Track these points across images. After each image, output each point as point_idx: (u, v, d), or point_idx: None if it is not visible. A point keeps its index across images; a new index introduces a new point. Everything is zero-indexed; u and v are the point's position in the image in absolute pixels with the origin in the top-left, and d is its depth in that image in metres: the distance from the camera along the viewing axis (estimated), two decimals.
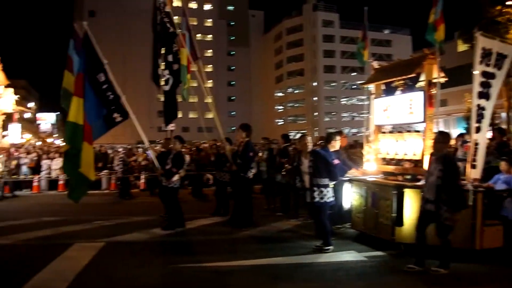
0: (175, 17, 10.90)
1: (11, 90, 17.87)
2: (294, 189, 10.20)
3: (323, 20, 77.66)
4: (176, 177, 9.49)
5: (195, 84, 11.57)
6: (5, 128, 18.55)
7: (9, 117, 18.67)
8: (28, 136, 44.31)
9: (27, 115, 45.01)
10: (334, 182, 7.50)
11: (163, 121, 11.08)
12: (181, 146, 10.07)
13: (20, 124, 19.10)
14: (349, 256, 7.13)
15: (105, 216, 11.33)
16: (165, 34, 10.49)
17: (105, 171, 19.00)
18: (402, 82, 8.05)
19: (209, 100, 10.75)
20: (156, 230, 9.27)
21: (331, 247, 7.29)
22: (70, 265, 6.60)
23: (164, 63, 10.56)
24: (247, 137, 9.81)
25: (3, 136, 18.31)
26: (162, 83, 10.71)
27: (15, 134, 18.54)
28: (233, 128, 78.01)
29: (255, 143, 14.83)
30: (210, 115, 10.71)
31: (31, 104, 52.96)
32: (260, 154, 13.07)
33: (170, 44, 10.52)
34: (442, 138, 6.29)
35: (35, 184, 18.03)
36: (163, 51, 10.59)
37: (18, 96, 19.92)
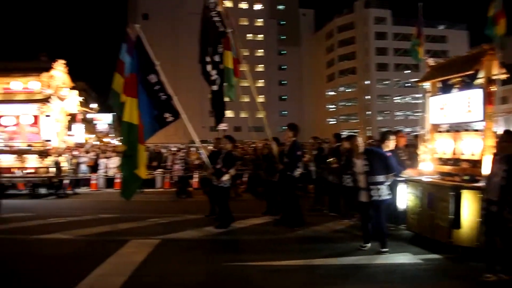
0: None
1: (76, 92, 18.66)
2: (343, 188, 10.11)
3: (375, 17, 76.22)
4: (226, 177, 9.58)
5: (246, 84, 11.60)
6: (69, 128, 19.40)
7: (72, 118, 19.51)
8: (90, 136, 45.96)
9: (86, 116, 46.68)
10: (391, 179, 7.36)
11: (214, 121, 11.12)
12: (232, 145, 10.10)
13: (84, 125, 19.95)
14: (404, 258, 6.96)
15: (160, 214, 11.63)
16: (215, 33, 10.53)
17: (160, 170, 19.45)
18: (459, 79, 7.77)
19: (258, 99, 10.75)
20: (209, 228, 9.41)
21: (387, 249, 7.14)
22: (126, 261, 6.80)
23: (211, 62, 10.61)
24: (294, 136, 9.78)
25: (68, 136, 19.15)
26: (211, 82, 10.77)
27: (78, 134, 19.37)
28: (284, 128, 77.69)
29: (305, 142, 14.76)
30: (261, 115, 10.74)
31: (94, 105, 55.06)
32: (307, 153, 13.00)
33: (217, 44, 10.56)
34: (507, 137, 6.00)
35: (93, 182, 18.75)
36: (210, 50, 10.64)
37: (82, 97, 20.74)
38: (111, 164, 19.17)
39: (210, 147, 16.16)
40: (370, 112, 75.94)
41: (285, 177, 9.75)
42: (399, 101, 78.19)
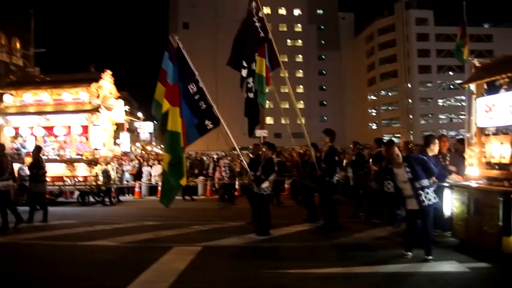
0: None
1: (122, 101, 19.16)
2: (384, 194, 9.94)
3: (417, 18, 74.62)
4: (265, 184, 9.56)
5: (286, 90, 11.57)
6: (116, 137, 19.96)
7: (119, 127, 20.05)
8: (138, 144, 46.99)
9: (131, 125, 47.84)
10: (435, 183, 7.17)
11: (248, 128, 11.01)
12: (271, 152, 10.07)
13: (129, 134, 20.48)
14: (450, 266, 6.72)
15: (202, 221, 11.74)
16: (254, 39, 10.49)
17: (201, 177, 19.66)
18: (507, 79, 7.49)
19: (298, 105, 10.72)
20: (250, 235, 9.41)
21: (432, 257, 6.92)
22: (169, 268, 6.87)
23: (248, 68, 10.62)
24: (331, 142, 9.71)
25: (116, 145, 19.69)
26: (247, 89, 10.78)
27: (125, 143, 19.90)
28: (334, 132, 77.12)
29: (347, 148, 14.60)
30: (300, 121, 10.70)
31: (140, 114, 56.37)
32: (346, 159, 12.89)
33: (255, 51, 10.55)
34: None
35: (136, 190, 19.14)
36: (248, 56, 10.64)
37: (128, 107, 21.29)
38: (154, 172, 19.54)
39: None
40: (412, 116, 74.30)
41: (323, 183, 9.66)
42: (442, 104, 76.23)
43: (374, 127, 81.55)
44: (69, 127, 17.22)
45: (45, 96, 17.56)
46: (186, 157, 24.04)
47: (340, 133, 72.40)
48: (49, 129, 17.48)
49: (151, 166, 20.12)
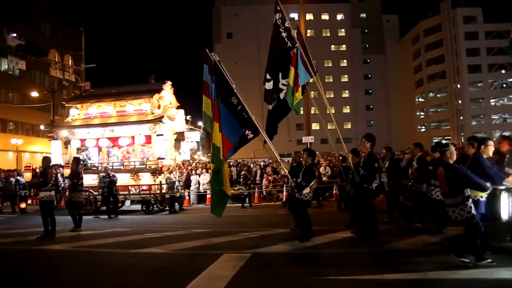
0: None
1: (182, 111, 19.59)
2: (430, 200, 9.77)
3: (464, 17, 72.27)
4: (306, 190, 9.54)
5: (332, 95, 11.52)
6: (177, 146, 20.50)
7: (179, 136, 20.55)
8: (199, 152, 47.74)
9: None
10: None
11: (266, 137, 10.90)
12: (311, 158, 10.00)
13: (189, 143, 20.94)
14: (509, 273, 6.45)
15: (251, 228, 11.80)
16: (283, 50, 10.48)
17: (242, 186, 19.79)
18: None
19: (332, 111, 10.65)
20: (298, 241, 9.36)
21: (484, 262, 6.65)
22: (219, 275, 6.93)
23: (272, 80, 10.66)
24: (371, 147, 9.51)
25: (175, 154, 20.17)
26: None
27: (186, 152, 20.40)
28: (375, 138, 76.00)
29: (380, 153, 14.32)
30: (348, 125, 10.61)
31: (200, 123, 57.38)
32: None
33: (286, 61, 10.54)
34: None
35: (186, 198, 19.46)
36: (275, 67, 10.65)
37: (189, 116, 21.73)
38: (202, 180, 19.82)
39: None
40: (462, 117, 71.96)
41: (362, 189, 9.51)
42: (495, 103, 73.46)
43: (423, 129, 79.50)
44: (133, 137, 17.79)
45: (109, 108, 18.24)
46: (234, 165, 24.34)
47: (387, 137, 71.16)
48: (113, 140, 18.11)
49: (199, 175, 20.42)
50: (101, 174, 16.52)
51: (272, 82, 10.64)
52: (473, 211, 6.64)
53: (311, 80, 11.06)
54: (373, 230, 9.35)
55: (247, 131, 9.41)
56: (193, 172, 20.96)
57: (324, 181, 17.72)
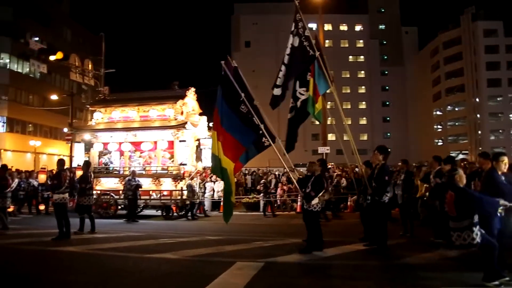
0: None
1: (205, 117, 19.70)
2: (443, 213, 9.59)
3: (485, 30, 71.47)
4: (315, 201, 9.50)
5: (349, 106, 11.51)
6: (198, 153, 20.60)
7: (200, 142, 20.63)
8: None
9: None
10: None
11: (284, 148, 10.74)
12: (321, 169, 9.94)
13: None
14: None
15: (264, 236, 11.81)
16: (304, 58, 10.48)
17: (262, 194, 19.73)
18: None
19: (348, 122, 10.61)
20: (315, 253, 9.28)
21: (495, 282, 6.35)
22: (231, 283, 6.94)
23: (283, 87, 10.67)
24: (383, 160, 9.45)
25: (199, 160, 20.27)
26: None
27: (208, 158, 20.52)
28: (389, 150, 75.43)
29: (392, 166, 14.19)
30: (364, 137, 10.57)
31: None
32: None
33: (304, 70, 10.57)
34: None
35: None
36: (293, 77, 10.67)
37: (212, 123, 21.83)
38: (217, 188, 19.83)
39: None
40: (481, 132, 71.05)
41: (373, 202, 9.42)
42: None
43: (440, 143, 78.69)
44: (155, 142, 17.89)
45: (132, 112, 18.39)
46: (249, 174, 24.32)
47: (405, 149, 70.42)
48: (135, 145, 18.26)
49: (214, 182, 20.43)
50: (128, 177, 16.56)
51: (280, 89, 10.68)
52: (479, 238, 6.35)
53: (328, 91, 11.07)
54: (381, 244, 9.23)
55: (263, 138, 9.50)
56: (208, 179, 21.00)
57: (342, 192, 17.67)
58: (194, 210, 17.83)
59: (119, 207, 17.73)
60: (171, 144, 17.85)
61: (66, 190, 11.92)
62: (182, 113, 17.99)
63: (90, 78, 31.91)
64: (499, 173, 7.05)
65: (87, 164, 13.95)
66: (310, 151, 61.00)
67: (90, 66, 31.83)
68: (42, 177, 20.45)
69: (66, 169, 13.09)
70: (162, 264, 8.52)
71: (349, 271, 7.97)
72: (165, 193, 17.28)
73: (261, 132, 9.49)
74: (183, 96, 18.36)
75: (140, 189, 16.53)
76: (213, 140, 9.58)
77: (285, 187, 20.44)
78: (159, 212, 17.95)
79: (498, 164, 7.13)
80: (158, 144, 17.85)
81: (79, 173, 16.03)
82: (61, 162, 12.47)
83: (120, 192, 17.28)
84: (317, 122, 11.84)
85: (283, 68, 10.70)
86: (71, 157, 36.12)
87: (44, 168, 23.34)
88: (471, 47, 71.66)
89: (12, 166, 34.17)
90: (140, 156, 18.83)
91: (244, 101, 9.52)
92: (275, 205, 19.73)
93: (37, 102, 49.08)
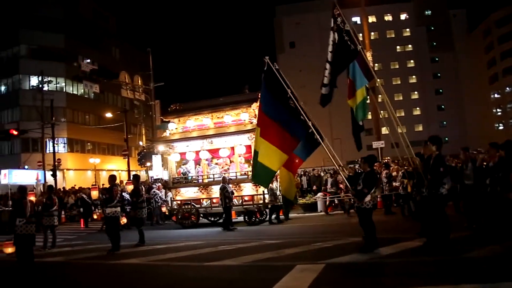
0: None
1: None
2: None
3: None
4: (368, 198, 9.24)
5: (400, 98, 11.17)
6: None
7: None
8: None
9: None
10: None
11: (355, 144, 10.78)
12: (368, 165, 9.58)
13: None
14: None
15: (324, 237, 11.63)
16: (347, 54, 10.25)
17: (320, 193, 19.51)
18: None
19: (401, 113, 10.31)
20: (375, 251, 9.02)
21: None
22: (293, 286, 6.83)
23: (331, 85, 10.46)
24: (437, 150, 8.94)
25: None
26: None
27: None
28: (446, 139, 72.98)
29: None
30: (419, 128, 10.20)
31: None
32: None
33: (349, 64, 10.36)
34: None
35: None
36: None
37: None
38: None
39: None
40: None
41: (430, 195, 9.01)
42: None
43: (501, 127, 75.18)
44: (232, 148, 17.81)
45: (206, 120, 18.42)
46: (303, 174, 24.14)
47: (463, 137, 67.86)
48: (212, 152, 18.27)
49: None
50: (222, 185, 16.28)
51: (328, 87, 10.52)
52: None
53: (376, 84, 10.82)
54: (443, 238, 8.79)
55: (315, 135, 9.50)
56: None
57: (396, 186, 17.07)
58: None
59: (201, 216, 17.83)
60: (248, 148, 17.55)
61: (117, 204, 12.30)
62: (255, 116, 17.57)
63: (140, 93, 32.79)
64: None
65: (136, 178, 14.33)
66: (365, 146, 59.94)
67: (139, 81, 32.71)
68: (95, 194, 21.12)
69: (117, 184, 13.51)
70: (224, 272, 8.54)
71: (414, 268, 7.64)
72: (246, 198, 17.17)
73: (310, 130, 9.45)
74: (256, 99, 18.01)
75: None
76: (256, 137, 9.59)
77: (341, 186, 20.08)
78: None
79: None
80: (236, 149, 17.70)
81: (130, 187, 16.31)
82: (112, 178, 12.92)
83: (201, 200, 17.60)
84: (370, 117, 11.61)
85: (328, 66, 10.55)
86: (129, 171, 37.30)
87: (95, 185, 24.11)
88: None
89: (75, 185, 35.77)
90: (216, 164, 18.89)
91: (291, 97, 9.47)
92: (333, 204, 19.46)
93: (93, 121, 51.12)
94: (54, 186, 32.68)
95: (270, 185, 16.77)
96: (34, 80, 45.96)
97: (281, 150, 9.45)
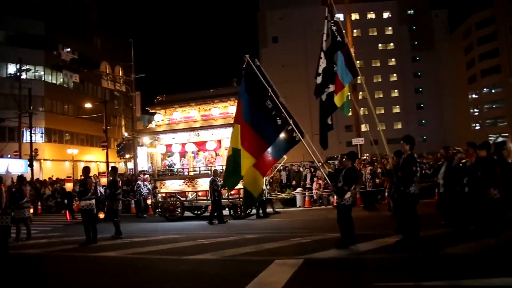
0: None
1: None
2: (486, 201, 9.38)
3: None
4: (348, 195, 9.31)
5: (381, 95, 11.27)
6: None
7: None
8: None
9: None
10: None
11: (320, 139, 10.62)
12: (351, 162, 9.67)
13: None
14: None
15: (302, 233, 11.67)
16: (334, 44, 10.29)
17: (299, 189, 19.59)
18: None
19: (381, 111, 10.39)
20: (351, 247, 9.09)
21: None
22: (272, 281, 6.83)
23: (323, 75, 10.45)
24: (410, 149, 9.08)
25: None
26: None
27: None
28: (424, 137, 73.95)
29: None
30: (398, 125, 10.32)
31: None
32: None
33: (332, 58, 10.37)
34: None
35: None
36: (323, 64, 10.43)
37: None
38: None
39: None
40: None
41: (400, 193, 9.14)
42: None
43: (478, 127, 76.42)
44: (219, 141, 17.55)
45: (193, 112, 18.20)
46: (283, 169, 24.23)
47: (441, 136, 68.92)
48: (199, 144, 18.05)
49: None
50: (212, 178, 16.18)
51: (321, 76, 10.44)
52: None
53: (358, 81, 10.87)
54: (413, 235, 8.93)
55: (294, 133, 9.49)
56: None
57: (378, 182, 17.30)
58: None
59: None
60: None
61: (92, 196, 12.17)
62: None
63: (121, 84, 32.38)
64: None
65: (114, 169, 14.25)
66: (344, 142, 60.43)
67: (120, 72, 32.30)
68: (69, 186, 20.84)
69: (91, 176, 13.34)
70: (202, 265, 8.54)
71: (389, 264, 7.75)
72: (232, 192, 16.79)
73: (290, 127, 9.44)
74: None
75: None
76: (234, 134, 9.58)
77: (320, 181, 20.22)
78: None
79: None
80: (223, 143, 17.39)
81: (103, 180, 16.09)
82: (86, 170, 12.77)
83: (187, 193, 17.47)
84: (350, 114, 11.66)
85: (322, 55, 10.47)
86: (107, 162, 36.94)
87: (70, 177, 23.81)
88: (506, 26, 69.05)
89: (52, 175, 35.26)
90: (203, 157, 18.71)
91: (272, 96, 9.43)
92: (311, 199, 19.58)
93: (72, 111, 50.36)
94: (30, 176, 32.24)
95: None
96: (11, 68, 44.91)
97: (250, 153, 9.35)
